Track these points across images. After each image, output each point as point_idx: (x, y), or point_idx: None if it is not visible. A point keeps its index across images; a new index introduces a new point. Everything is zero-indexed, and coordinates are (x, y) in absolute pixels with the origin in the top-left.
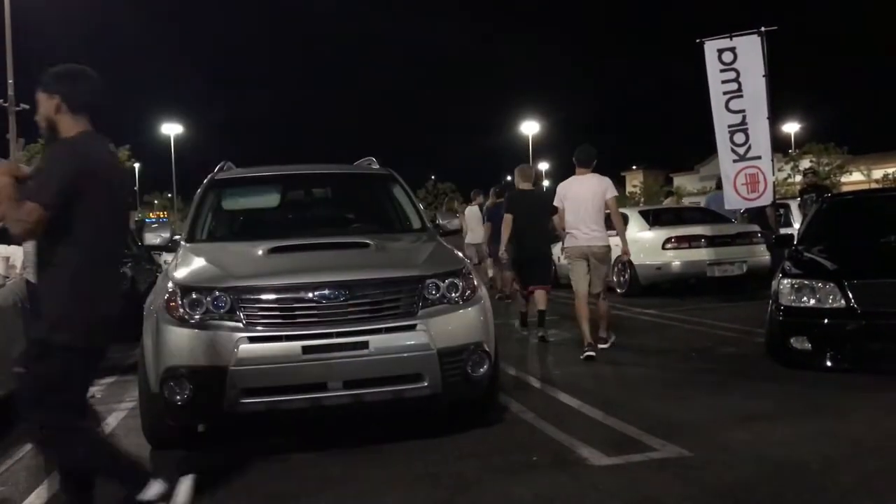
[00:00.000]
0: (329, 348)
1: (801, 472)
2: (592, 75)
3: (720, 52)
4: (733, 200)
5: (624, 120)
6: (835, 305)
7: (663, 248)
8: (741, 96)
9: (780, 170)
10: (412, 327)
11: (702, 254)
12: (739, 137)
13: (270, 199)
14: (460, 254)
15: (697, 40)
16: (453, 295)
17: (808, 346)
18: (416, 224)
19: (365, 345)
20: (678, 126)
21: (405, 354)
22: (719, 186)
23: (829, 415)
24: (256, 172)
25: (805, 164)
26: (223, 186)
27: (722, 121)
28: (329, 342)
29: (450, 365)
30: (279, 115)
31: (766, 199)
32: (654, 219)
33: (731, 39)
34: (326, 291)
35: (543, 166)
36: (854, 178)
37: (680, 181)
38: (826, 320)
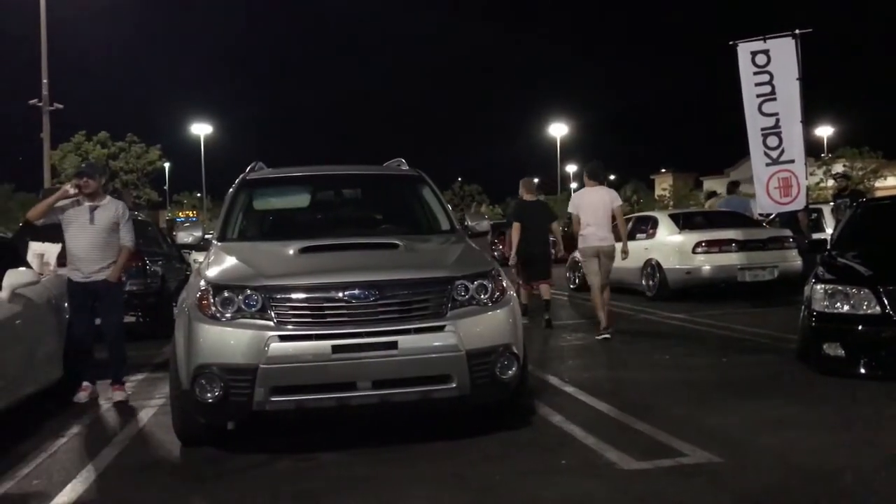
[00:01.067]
0: (358, 348)
1: (834, 480)
2: (622, 77)
3: (753, 54)
4: (766, 205)
5: (653, 122)
6: (869, 312)
7: (693, 252)
8: (774, 99)
9: (812, 174)
10: (441, 328)
11: (732, 258)
12: (773, 141)
13: (301, 200)
14: (488, 256)
15: (731, 42)
16: (482, 296)
17: (841, 352)
18: (445, 225)
19: (394, 345)
20: (708, 129)
21: (434, 355)
22: (730, 192)
23: (862, 423)
24: (287, 173)
25: (838, 168)
26: (254, 186)
27: (755, 124)
28: (358, 342)
29: (478, 366)
30: (309, 116)
31: (800, 204)
32: (684, 222)
33: (764, 42)
34: (356, 291)
35: (571, 168)
36: (889, 183)
37: (710, 184)
38: (860, 327)
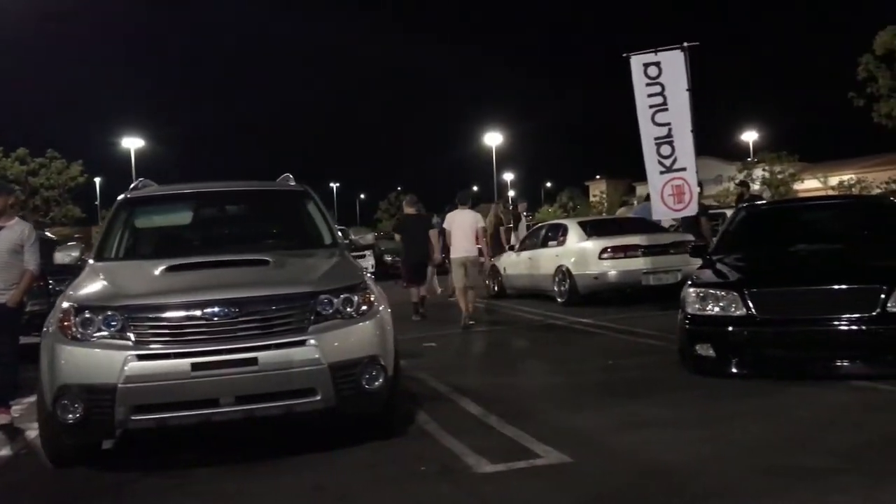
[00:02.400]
0: (218, 365)
1: (668, 475)
2: (558, 86)
3: (646, 66)
4: (661, 211)
5: (588, 130)
6: (737, 313)
7: (600, 257)
8: (666, 109)
9: (732, 178)
10: (302, 342)
11: (637, 263)
12: (666, 150)
13: (183, 217)
14: (360, 269)
15: (624, 55)
16: (348, 310)
17: (712, 353)
18: (328, 240)
19: (254, 361)
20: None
21: (295, 370)
22: (648, 198)
23: (717, 420)
24: (168, 190)
25: (758, 172)
26: (135, 205)
27: (649, 133)
28: (218, 359)
29: (343, 378)
30: (241, 128)
31: (692, 210)
32: (591, 229)
33: (656, 54)
34: (216, 309)
35: (509, 176)
36: (809, 186)
37: (642, 190)
38: (728, 328)
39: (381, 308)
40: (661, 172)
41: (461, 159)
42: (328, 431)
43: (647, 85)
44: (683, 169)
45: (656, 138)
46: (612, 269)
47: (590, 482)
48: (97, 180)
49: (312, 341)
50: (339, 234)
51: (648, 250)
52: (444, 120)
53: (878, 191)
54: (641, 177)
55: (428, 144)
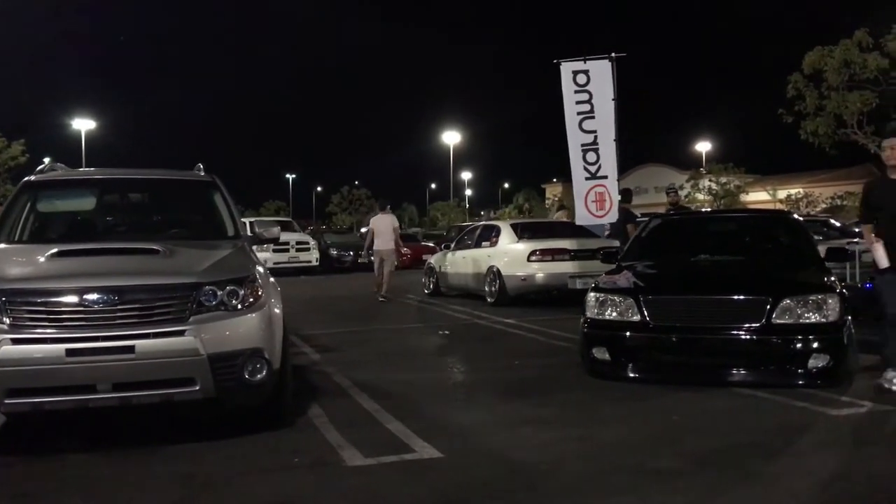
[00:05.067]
0: (94, 351)
1: (528, 472)
2: (520, 86)
3: (575, 73)
4: (583, 217)
5: (550, 132)
6: (632, 319)
7: (528, 259)
8: (593, 117)
9: (680, 188)
10: (181, 333)
11: (564, 266)
12: (591, 157)
13: (85, 203)
14: (256, 261)
15: (555, 61)
16: (233, 302)
17: (607, 356)
18: (230, 231)
19: (131, 349)
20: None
21: (173, 359)
22: None
23: (594, 421)
24: (73, 176)
25: (705, 182)
26: (38, 189)
27: (575, 140)
28: (94, 346)
29: (223, 370)
30: (198, 115)
31: (612, 217)
32: (522, 231)
33: (584, 63)
34: (94, 296)
35: (466, 176)
36: (759, 198)
37: None
38: (623, 333)
39: (269, 301)
40: (586, 179)
41: (421, 156)
42: (216, 421)
43: (576, 92)
44: (605, 177)
45: (583, 145)
46: (539, 271)
47: (449, 477)
48: (46, 160)
49: (192, 332)
50: (243, 226)
51: (576, 254)
52: (405, 116)
53: (825, 205)
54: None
55: (388, 140)
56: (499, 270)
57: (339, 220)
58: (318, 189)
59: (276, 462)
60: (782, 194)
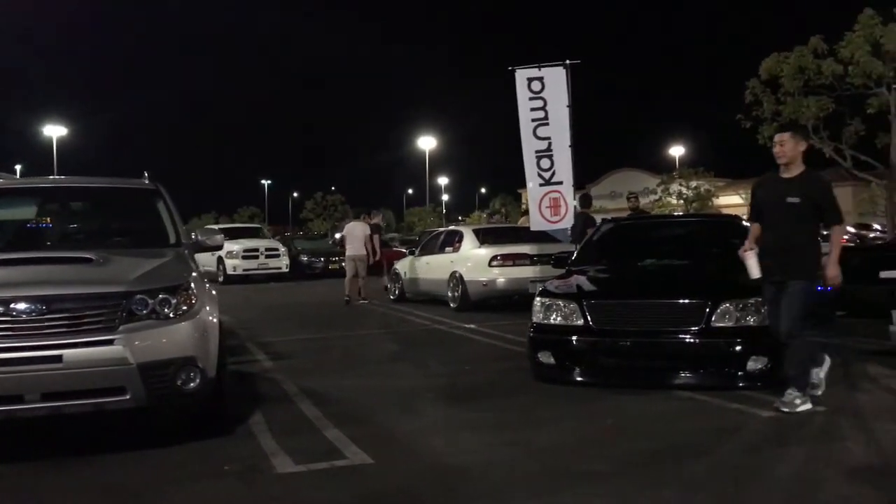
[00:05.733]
0: (21, 361)
1: (456, 476)
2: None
3: (530, 80)
4: (538, 223)
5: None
6: (576, 323)
7: (490, 265)
8: (547, 124)
9: (652, 192)
10: (110, 342)
11: (525, 271)
12: (545, 163)
13: (26, 212)
14: (194, 269)
15: (510, 68)
16: (165, 310)
17: (552, 360)
18: (172, 239)
19: (59, 358)
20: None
21: (101, 368)
22: None
23: (531, 425)
24: (13, 184)
25: (675, 187)
26: None
27: (530, 146)
28: (21, 356)
29: (155, 378)
30: (172, 122)
31: (567, 223)
32: (484, 237)
33: (539, 70)
34: (22, 305)
35: (443, 181)
36: (731, 201)
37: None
38: (567, 337)
39: (203, 310)
40: (541, 185)
41: (398, 161)
42: (153, 429)
43: (531, 99)
44: (560, 183)
45: (537, 151)
46: (500, 276)
47: (375, 482)
48: (18, 168)
49: (121, 341)
50: (187, 234)
51: (537, 259)
52: (383, 121)
53: None
54: (573, 185)
55: (366, 145)
56: (461, 276)
57: (314, 226)
58: (295, 195)
59: (206, 470)
60: None
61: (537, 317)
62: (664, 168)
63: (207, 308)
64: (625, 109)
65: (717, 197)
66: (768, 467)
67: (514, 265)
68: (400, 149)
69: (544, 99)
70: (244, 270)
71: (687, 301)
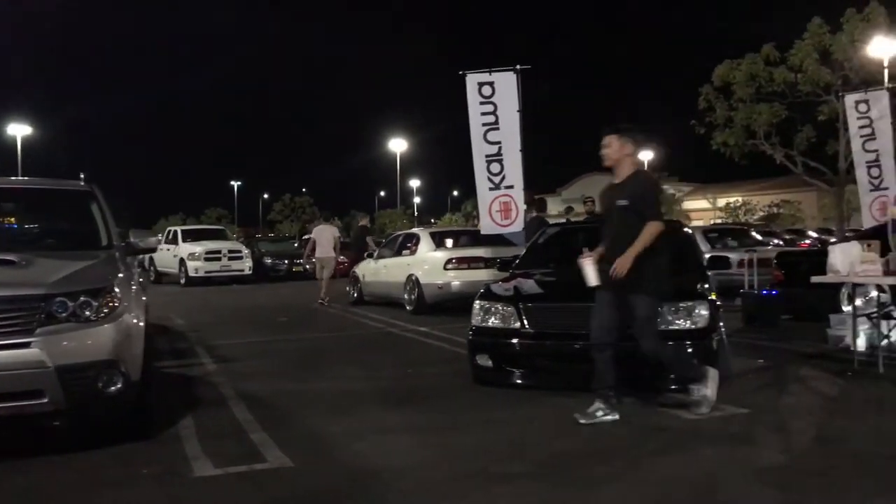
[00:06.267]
0: None
1: (371, 479)
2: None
3: (480, 85)
4: (488, 227)
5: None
6: (512, 326)
7: (445, 268)
8: (498, 129)
9: None
10: (27, 345)
11: (480, 274)
12: (495, 167)
13: None
14: (123, 271)
15: (460, 72)
16: (86, 313)
17: (490, 363)
18: (104, 241)
19: None
20: (545, 149)
21: (18, 371)
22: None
23: (460, 427)
24: None
25: None
26: None
27: (480, 151)
28: None
29: (74, 382)
30: (142, 123)
31: (517, 227)
32: (441, 240)
33: (490, 74)
34: None
35: (415, 183)
36: (699, 206)
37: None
38: (504, 340)
39: (127, 313)
40: (490, 189)
41: (370, 163)
42: (76, 433)
43: (481, 103)
44: (511, 187)
45: (487, 156)
46: (455, 279)
47: (291, 486)
48: None
49: (38, 343)
50: (119, 236)
51: (490, 262)
52: (355, 123)
53: (762, 213)
54: (543, 189)
55: (337, 147)
56: (417, 279)
57: (283, 227)
58: (265, 196)
59: (123, 474)
60: (722, 202)
61: (476, 319)
62: None
63: (133, 311)
64: (598, 113)
65: (681, 203)
66: (679, 468)
67: (469, 268)
68: (372, 151)
69: (495, 104)
70: (206, 272)
71: None
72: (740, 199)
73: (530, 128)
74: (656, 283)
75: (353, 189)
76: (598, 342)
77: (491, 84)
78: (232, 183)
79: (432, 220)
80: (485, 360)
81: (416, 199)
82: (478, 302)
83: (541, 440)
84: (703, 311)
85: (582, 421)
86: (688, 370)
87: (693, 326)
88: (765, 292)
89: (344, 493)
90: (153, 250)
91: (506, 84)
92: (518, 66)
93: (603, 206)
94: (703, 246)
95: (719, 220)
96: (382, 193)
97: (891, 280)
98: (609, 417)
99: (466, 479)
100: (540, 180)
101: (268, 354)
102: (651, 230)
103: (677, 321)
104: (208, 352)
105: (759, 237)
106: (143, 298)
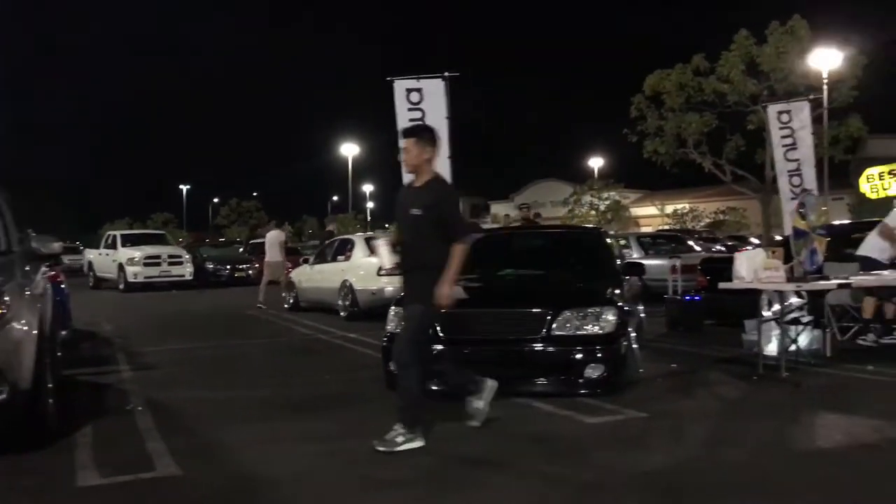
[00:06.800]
0: None
1: (257, 487)
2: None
3: (408, 91)
4: None
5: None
6: None
7: (378, 273)
8: None
9: (563, 203)
10: None
11: None
12: None
13: None
14: (18, 277)
15: (388, 78)
16: None
17: None
18: (2, 247)
19: None
20: (498, 156)
21: None
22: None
23: (361, 434)
24: None
25: (587, 198)
26: None
27: None
28: None
29: None
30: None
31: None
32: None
33: (418, 81)
34: None
35: (368, 188)
36: (648, 212)
37: (497, 209)
38: None
39: (16, 320)
40: None
41: (323, 168)
42: None
43: (409, 110)
44: None
45: None
46: (389, 285)
47: (175, 495)
48: None
49: None
50: (20, 241)
51: None
52: (308, 127)
53: (709, 220)
54: (496, 195)
55: (289, 151)
56: (351, 285)
57: (230, 232)
58: (216, 200)
59: (4, 484)
60: (670, 209)
61: (390, 326)
62: (585, 179)
63: (23, 318)
64: (551, 119)
65: (631, 208)
66: (565, 472)
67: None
68: (324, 155)
69: (423, 110)
70: (145, 278)
71: (530, 310)
72: (687, 205)
73: (485, 135)
74: (430, 290)
75: (307, 193)
76: (402, 360)
77: (419, 90)
78: (181, 187)
79: (386, 226)
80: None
81: (370, 205)
82: (393, 308)
83: (435, 446)
84: (611, 317)
85: (380, 448)
86: (461, 381)
87: (600, 331)
88: (688, 298)
89: (223, 501)
90: (55, 255)
91: (434, 91)
92: (446, 73)
93: (397, 212)
94: (636, 252)
95: (667, 227)
96: (335, 198)
97: (792, 286)
98: (414, 444)
99: (349, 487)
100: (494, 186)
101: (188, 362)
102: (459, 251)
103: (585, 326)
104: (129, 359)
105: (695, 245)
106: (40, 305)
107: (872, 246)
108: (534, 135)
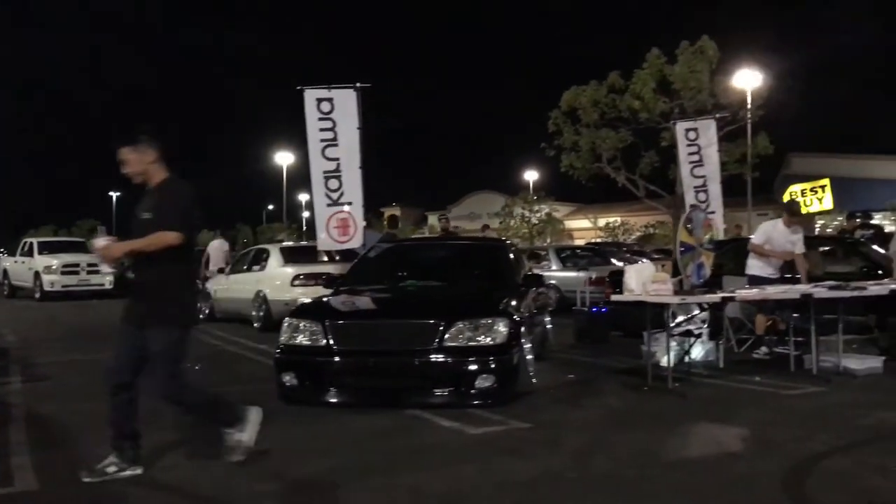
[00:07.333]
0: None
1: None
2: (373, 108)
3: (319, 101)
4: (325, 243)
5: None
6: (318, 344)
7: (292, 284)
8: (337, 145)
9: (496, 215)
10: None
11: (327, 291)
12: (333, 184)
13: None
14: None
15: (298, 88)
16: None
17: (295, 381)
18: None
19: None
20: (435, 167)
21: None
22: (391, 226)
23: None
24: None
25: (518, 210)
26: None
27: (318, 167)
28: None
29: None
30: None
31: (356, 243)
32: (291, 255)
33: (329, 91)
34: None
35: (304, 197)
36: (581, 225)
37: (433, 220)
38: (310, 358)
39: None
40: (328, 205)
41: (258, 176)
42: None
43: (320, 119)
44: (350, 203)
45: (325, 172)
46: (303, 295)
47: None
48: None
49: None
50: None
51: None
52: (242, 134)
53: (639, 233)
54: (433, 206)
55: (223, 159)
56: (266, 295)
57: None
58: None
59: None
60: (602, 222)
61: (283, 337)
62: (520, 191)
63: None
64: (490, 132)
65: (565, 221)
66: (434, 483)
67: (315, 284)
68: (258, 163)
69: (333, 120)
70: (63, 287)
71: (423, 321)
72: (619, 219)
73: (419, 147)
74: (176, 310)
75: (240, 201)
76: (111, 384)
77: (330, 100)
78: (110, 194)
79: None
80: (291, 379)
81: (305, 214)
82: (287, 319)
83: (305, 459)
84: (502, 328)
85: (86, 479)
86: (220, 414)
87: (492, 342)
88: (594, 309)
89: None
90: None
91: (345, 101)
92: (358, 84)
93: (132, 220)
94: (555, 264)
95: (598, 240)
96: (271, 207)
97: (677, 299)
98: (126, 473)
99: (215, 500)
100: (438, 198)
101: (86, 373)
102: (162, 237)
103: (477, 337)
104: (24, 370)
105: (615, 259)
106: None
107: (752, 265)
108: (474, 147)
